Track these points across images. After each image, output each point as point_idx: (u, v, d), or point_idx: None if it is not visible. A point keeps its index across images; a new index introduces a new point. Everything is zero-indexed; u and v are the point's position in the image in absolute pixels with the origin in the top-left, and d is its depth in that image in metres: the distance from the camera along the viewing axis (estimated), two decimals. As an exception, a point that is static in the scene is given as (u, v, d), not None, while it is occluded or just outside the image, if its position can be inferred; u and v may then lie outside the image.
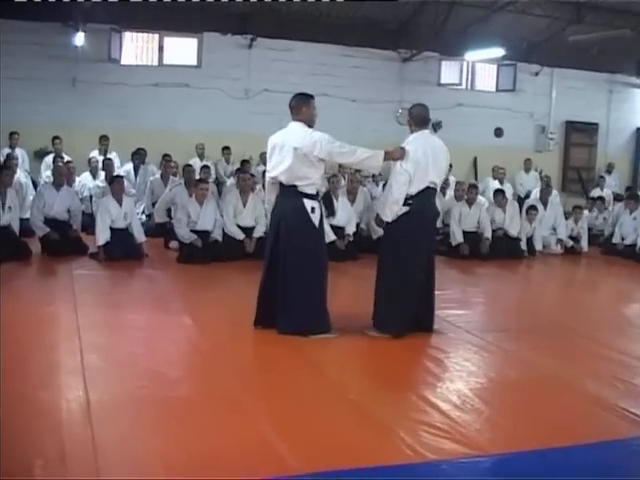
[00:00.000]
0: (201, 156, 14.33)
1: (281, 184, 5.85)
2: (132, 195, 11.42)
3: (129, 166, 13.06)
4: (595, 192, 15.85)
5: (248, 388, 4.64)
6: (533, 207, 11.64)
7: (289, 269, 5.74)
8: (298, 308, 5.73)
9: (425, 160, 5.85)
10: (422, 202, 5.89)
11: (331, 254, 7.07)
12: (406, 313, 5.92)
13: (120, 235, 9.23)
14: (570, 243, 11.76)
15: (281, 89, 15.44)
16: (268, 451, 3.64)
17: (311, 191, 5.83)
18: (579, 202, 14.58)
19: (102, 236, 9.05)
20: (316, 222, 5.83)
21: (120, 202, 9.39)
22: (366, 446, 3.79)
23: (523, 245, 11.20)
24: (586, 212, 12.91)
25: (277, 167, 5.80)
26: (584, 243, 11.95)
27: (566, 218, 12.06)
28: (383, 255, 6.09)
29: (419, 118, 6.07)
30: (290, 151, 5.70)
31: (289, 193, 5.80)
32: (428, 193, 5.94)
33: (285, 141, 5.79)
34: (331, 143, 5.71)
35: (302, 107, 5.86)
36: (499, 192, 11.71)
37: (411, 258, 5.89)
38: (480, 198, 11.88)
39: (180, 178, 11.50)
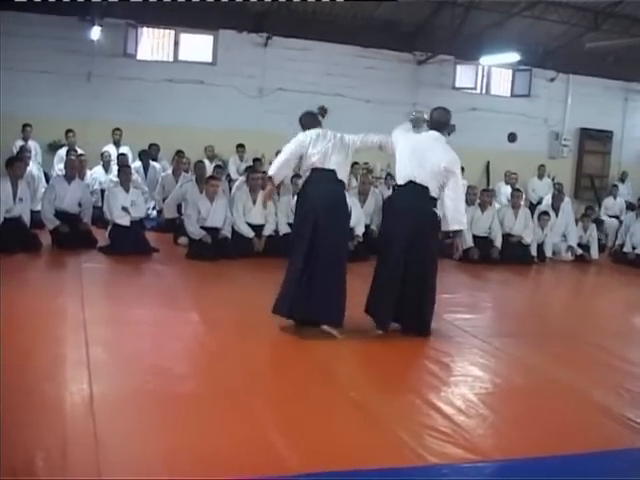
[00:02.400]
0: (210, 158, 14.27)
1: (322, 169, 5.93)
2: (143, 190, 11.48)
3: (137, 164, 13.04)
4: (608, 201, 15.77)
5: (252, 387, 4.62)
6: (545, 213, 11.59)
7: (329, 255, 5.79)
8: (334, 295, 5.79)
9: (409, 154, 5.95)
10: (401, 196, 5.99)
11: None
12: (382, 305, 5.96)
13: (129, 230, 9.27)
14: (580, 251, 11.70)
15: (295, 88, 15.53)
16: (270, 451, 3.62)
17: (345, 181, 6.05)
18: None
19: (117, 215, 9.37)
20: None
21: (127, 191, 9.61)
22: (368, 448, 3.78)
23: (533, 251, 11.15)
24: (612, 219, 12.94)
25: (323, 151, 5.92)
26: (594, 251, 11.87)
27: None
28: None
29: (433, 119, 6.13)
30: (333, 137, 5.98)
31: (330, 178, 5.93)
32: (411, 189, 5.91)
33: (326, 130, 6.06)
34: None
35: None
36: (517, 191, 11.73)
37: (386, 251, 5.99)
38: (494, 204, 11.85)
39: (192, 174, 11.51)
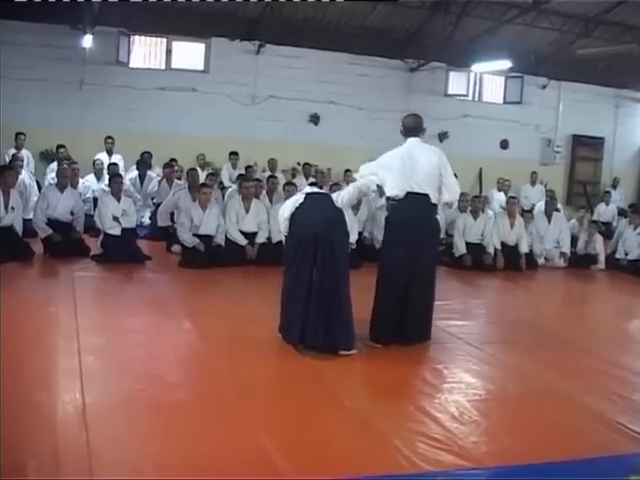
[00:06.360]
0: (202, 167, 14.20)
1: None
2: (136, 198, 11.49)
3: (134, 174, 12.99)
4: (600, 207, 15.81)
5: (245, 395, 4.61)
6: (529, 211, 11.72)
7: (337, 280, 5.75)
8: (350, 320, 5.73)
9: (400, 166, 5.92)
10: (402, 209, 5.92)
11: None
12: (382, 321, 5.93)
13: (121, 238, 9.25)
14: (568, 254, 11.61)
15: (288, 96, 15.56)
16: (263, 458, 3.62)
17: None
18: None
19: (108, 225, 9.33)
20: None
21: (119, 200, 9.56)
22: (362, 455, 3.77)
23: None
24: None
25: None
26: (601, 261, 11.69)
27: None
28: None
29: (406, 127, 6.18)
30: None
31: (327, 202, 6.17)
32: (411, 200, 5.89)
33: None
34: None
35: None
36: (513, 198, 11.76)
37: (388, 265, 5.97)
38: (487, 210, 11.83)
39: (184, 182, 11.49)
